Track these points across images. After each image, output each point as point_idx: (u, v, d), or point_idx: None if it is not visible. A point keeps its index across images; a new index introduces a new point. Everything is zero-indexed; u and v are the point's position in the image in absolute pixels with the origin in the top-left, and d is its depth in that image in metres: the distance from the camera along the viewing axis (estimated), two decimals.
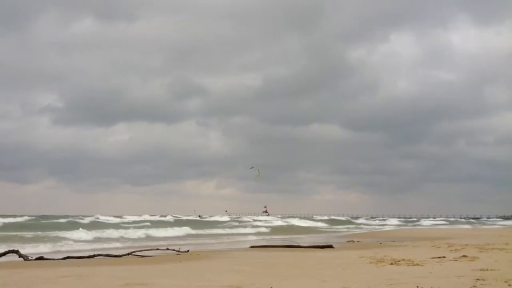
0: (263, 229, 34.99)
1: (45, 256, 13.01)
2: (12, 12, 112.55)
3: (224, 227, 37.55)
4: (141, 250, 14.16)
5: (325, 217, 73.75)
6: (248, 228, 36.98)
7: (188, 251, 14.60)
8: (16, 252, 12.90)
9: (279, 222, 49.33)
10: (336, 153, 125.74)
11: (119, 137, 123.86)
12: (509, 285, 6.51)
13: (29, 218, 44.70)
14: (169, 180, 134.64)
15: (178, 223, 40.23)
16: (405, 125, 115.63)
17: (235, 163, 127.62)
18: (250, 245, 17.95)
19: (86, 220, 41.60)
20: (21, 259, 12.54)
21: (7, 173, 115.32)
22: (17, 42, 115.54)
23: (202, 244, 20.71)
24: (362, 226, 51.28)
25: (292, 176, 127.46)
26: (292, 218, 62.19)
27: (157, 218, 55.18)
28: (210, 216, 70.36)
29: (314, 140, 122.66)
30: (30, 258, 12.60)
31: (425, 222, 66.60)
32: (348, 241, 21.42)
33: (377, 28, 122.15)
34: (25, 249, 15.04)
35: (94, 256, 12.96)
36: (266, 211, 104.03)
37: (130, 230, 28.60)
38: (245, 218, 67.81)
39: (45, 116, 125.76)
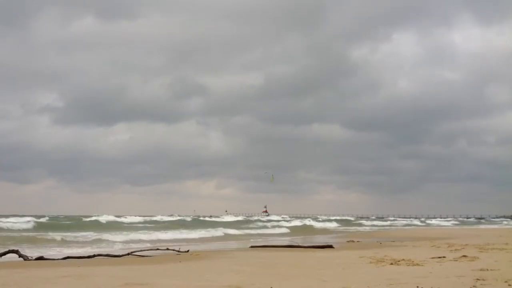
0: (285, 230, 35.10)
1: (45, 256, 13.02)
2: (12, 11, 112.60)
3: (256, 228, 37.54)
4: (141, 250, 14.19)
5: (333, 217, 73.66)
6: (271, 228, 37.07)
7: (188, 251, 14.60)
8: (16, 252, 12.90)
9: (298, 222, 49.20)
10: (337, 153, 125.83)
11: (119, 137, 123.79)
12: (509, 285, 6.51)
13: (48, 218, 43.57)
14: (169, 180, 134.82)
15: (202, 224, 39.84)
16: (406, 124, 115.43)
17: (235, 163, 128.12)
18: (250, 245, 17.96)
19: (101, 220, 40.79)
20: (21, 259, 12.55)
21: (7, 173, 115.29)
22: (17, 41, 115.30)
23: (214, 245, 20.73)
24: (373, 226, 51.78)
25: (292, 176, 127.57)
26: (304, 219, 62.03)
27: (168, 218, 53.82)
28: (215, 217, 70.01)
29: (314, 140, 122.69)
30: (30, 258, 12.61)
31: (435, 222, 66.35)
32: (348, 241, 21.42)
33: (379, 27, 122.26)
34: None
35: (94, 256, 12.97)
36: (266, 211, 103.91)
37: (185, 232, 27.76)
38: (255, 217, 67.64)
39: (45, 116, 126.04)
